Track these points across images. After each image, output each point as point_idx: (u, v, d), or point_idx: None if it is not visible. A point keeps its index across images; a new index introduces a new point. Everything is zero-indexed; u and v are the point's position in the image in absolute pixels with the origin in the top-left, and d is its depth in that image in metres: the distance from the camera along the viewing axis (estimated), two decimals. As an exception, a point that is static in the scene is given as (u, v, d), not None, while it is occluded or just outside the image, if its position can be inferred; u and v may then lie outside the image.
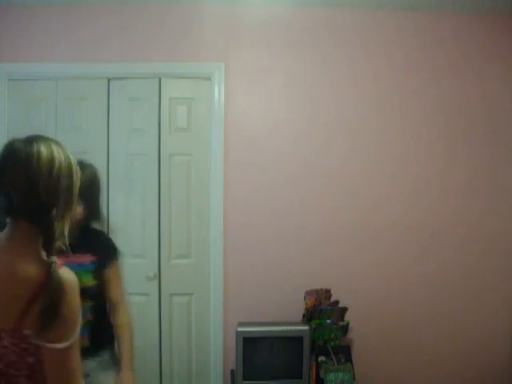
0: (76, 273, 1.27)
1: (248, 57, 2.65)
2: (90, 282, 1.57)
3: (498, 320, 2.67)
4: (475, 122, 2.68)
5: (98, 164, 2.65)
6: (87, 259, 1.60)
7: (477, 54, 2.69)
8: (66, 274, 0.98)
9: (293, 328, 2.38)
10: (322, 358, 2.36)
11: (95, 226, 1.73)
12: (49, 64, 2.64)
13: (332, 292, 2.51)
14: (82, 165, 1.47)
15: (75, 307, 0.96)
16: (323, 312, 2.41)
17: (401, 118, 2.67)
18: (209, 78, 2.66)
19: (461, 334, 2.65)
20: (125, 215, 2.67)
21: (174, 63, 2.65)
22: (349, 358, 2.38)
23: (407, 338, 2.65)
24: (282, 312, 2.54)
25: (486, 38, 2.69)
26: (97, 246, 1.65)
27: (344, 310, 2.47)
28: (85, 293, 1.36)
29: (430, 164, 2.67)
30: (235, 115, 2.65)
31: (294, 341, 2.35)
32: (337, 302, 2.48)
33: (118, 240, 2.65)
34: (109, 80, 2.68)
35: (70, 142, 2.87)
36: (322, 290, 2.49)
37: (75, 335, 0.94)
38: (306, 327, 2.36)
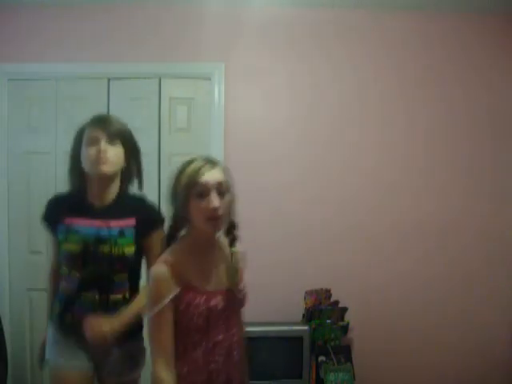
0: (115, 239, 1.45)
1: (248, 57, 2.65)
2: (130, 249, 1.48)
3: (505, 320, 2.67)
4: (479, 121, 2.68)
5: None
6: (128, 224, 1.50)
7: (479, 53, 2.68)
8: None
9: (293, 328, 2.38)
10: (322, 358, 2.36)
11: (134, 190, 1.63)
12: (49, 64, 2.64)
13: (332, 292, 2.51)
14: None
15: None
16: (323, 312, 2.40)
17: (404, 117, 2.67)
18: (209, 78, 2.66)
19: (462, 334, 2.65)
20: (125, 215, 2.67)
21: (174, 63, 2.65)
22: (349, 358, 2.38)
23: (408, 338, 2.65)
24: (282, 312, 2.54)
25: (489, 37, 2.69)
26: (138, 211, 1.53)
27: (344, 309, 2.47)
28: (123, 262, 1.46)
29: (434, 164, 2.67)
30: (235, 115, 2.65)
31: (294, 341, 2.34)
32: (337, 302, 2.48)
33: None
34: (109, 80, 2.68)
35: (70, 142, 2.87)
36: (321, 290, 2.49)
37: None
38: (306, 327, 2.36)
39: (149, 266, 1.51)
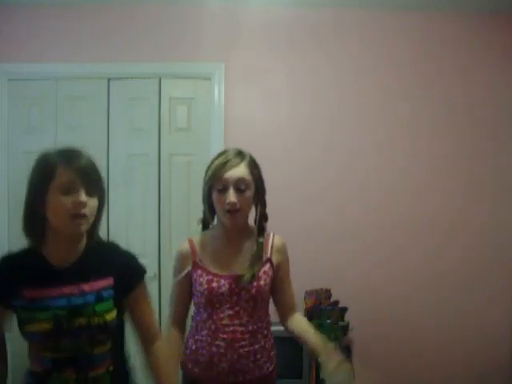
0: (92, 306, 1.14)
1: (248, 57, 2.65)
2: (111, 315, 1.17)
3: (505, 321, 2.67)
4: (479, 121, 2.68)
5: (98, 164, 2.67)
6: (105, 284, 1.18)
7: (480, 53, 2.68)
8: None
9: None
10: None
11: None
12: (49, 64, 2.64)
13: (332, 292, 2.51)
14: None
15: None
16: (323, 312, 2.40)
17: (405, 117, 2.67)
18: (209, 78, 2.66)
19: (463, 334, 2.65)
20: (125, 215, 2.67)
21: (174, 63, 2.65)
22: (349, 359, 2.38)
23: (408, 338, 2.65)
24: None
25: (490, 37, 2.68)
26: (114, 266, 1.22)
27: (344, 310, 2.46)
28: (104, 331, 1.16)
29: (435, 164, 2.67)
30: (235, 115, 2.65)
31: (294, 341, 2.34)
32: (337, 302, 2.48)
33: (119, 240, 2.68)
34: (109, 80, 2.68)
35: (70, 142, 2.86)
36: (321, 290, 2.49)
37: None
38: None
39: (138, 323, 1.31)
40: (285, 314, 1.53)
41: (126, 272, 1.24)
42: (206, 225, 1.52)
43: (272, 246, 1.47)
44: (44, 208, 1.10)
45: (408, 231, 2.66)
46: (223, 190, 1.37)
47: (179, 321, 1.48)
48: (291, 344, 2.35)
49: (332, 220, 2.65)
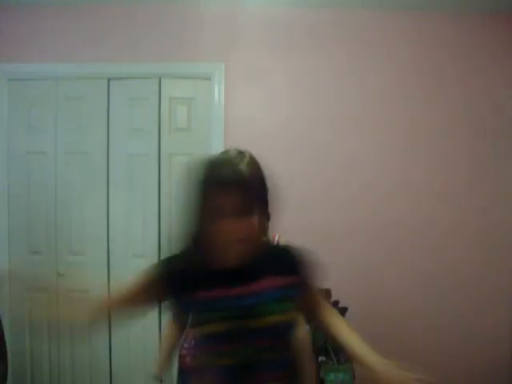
0: (268, 305, 1.07)
1: (248, 57, 2.65)
2: (287, 316, 1.11)
3: (505, 321, 2.67)
4: (479, 121, 2.68)
5: (98, 164, 2.68)
6: (278, 284, 1.12)
7: (479, 53, 2.68)
8: None
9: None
10: (322, 358, 2.36)
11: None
12: (49, 64, 2.64)
13: (332, 292, 2.51)
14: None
15: None
16: (323, 312, 2.40)
17: (404, 117, 2.67)
18: (209, 78, 2.66)
19: (463, 334, 2.65)
20: (125, 215, 2.67)
21: (174, 63, 2.65)
22: (349, 358, 2.38)
23: (408, 339, 2.64)
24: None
25: (489, 37, 2.68)
26: (285, 266, 1.17)
27: (344, 309, 2.46)
28: (279, 335, 1.09)
29: (434, 164, 2.67)
30: (235, 115, 2.65)
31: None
32: (337, 302, 2.48)
33: (119, 240, 2.69)
34: (109, 80, 2.68)
35: (70, 142, 2.86)
36: (322, 290, 2.49)
37: None
38: (306, 327, 2.35)
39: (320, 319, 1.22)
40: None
41: (293, 272, 1.17)
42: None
43: None
44: (205, 229, 1.06)
45: (408, 231, 2.66)
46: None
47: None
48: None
49: (332, 220, 2.65)
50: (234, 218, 1.00)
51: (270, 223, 1.31)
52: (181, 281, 1.09)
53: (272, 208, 1.19)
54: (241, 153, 1.20)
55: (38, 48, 2.64)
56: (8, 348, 2.33)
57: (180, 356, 1.50)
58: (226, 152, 1.12)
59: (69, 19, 2.64)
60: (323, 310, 1.23)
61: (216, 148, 2.64)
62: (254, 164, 1.08)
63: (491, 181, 2.68)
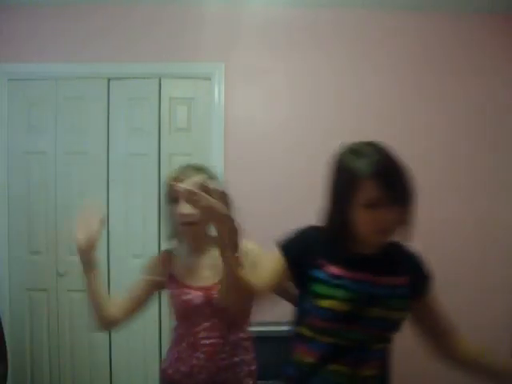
0: (386, 300, 1.09)
1: (248, 57, 2.65)
2: (399, 314, 1.13)
3: (505, 322, 2.66)
4: (478, 121, 2.68)
5: (98, 164, 2.68)
6: (401, 283, 1.14)
7: (479, 53, 2.69)
8: None
9: (293, 328, 2.38)
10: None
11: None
12: (49, 64, 2.64)
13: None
14: None
15: None
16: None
17: (403, 117, 2.67)
18: (209, 78, 2.66)
19: (465, 332, 2.64)
20: (125, 215, 2.67)
21: (174, 63, 2.65)
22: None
23: (407, 336, 2.64)
24: (282, 312, 2.53)
25: (488, 37, 2.69)
26: (410, 268, 1.18)
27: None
28: (388, 329, 1.12)
29: (432, 163, 2.67)
30: (235, 115, 2.65)
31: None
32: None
33: (118, 240, 2.69)
34: (109, 80, 2.68)
35: (70, 142, 2.86)
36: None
37: None
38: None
39: (432, 325, 1.25)
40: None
41: (420, 277, 1.20)
42: (171, 238, 1.48)
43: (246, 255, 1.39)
44: (348, 216, 1.07)
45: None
46: (176, 202, 1.33)
47: (118, 304, 1.40)
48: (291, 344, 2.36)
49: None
50: (388, 208, 1.01)
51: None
52: (316, 249, 1.11)
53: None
54: (200, 167, 1.41)
55: (38, 48, 2.64)
56: (8, 348, 2.32)
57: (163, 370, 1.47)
58: (368, 143, 1.09)
59: (69, 19, 2.64)
60: (443, 323, 1.24)
61: (216, 148, 2.64)
62: (393, 153, 1.08)
63: (491, 180, 2.69)
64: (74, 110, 2.68)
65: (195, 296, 1.36)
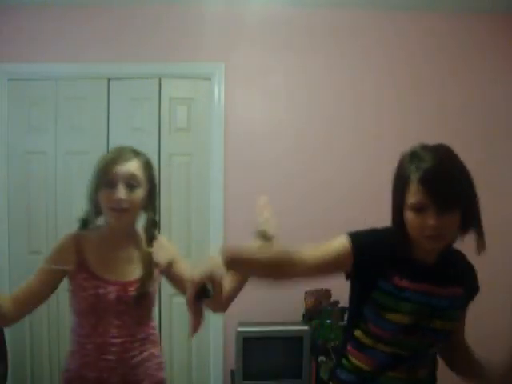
0: (445, 311, 1.09)
1: (248, 57, 2.66)
2: (455, 325, 1.16)
3: (505, 323, 2.66)
4: (476, 120, 2.68)
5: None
6: (457, 293, 1.13)
7: (477, 54, 2.69)
8: None
9: (293, 328, 2.38)
10: (321, 358, 2.36)
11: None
12: (49, 64, 2.64)
13: (332, 292, 2.51)
14: None
15: None
16: (323, 312, 2.40)
17: (401, 117, 2.68)
18: (209, 78, 2.66)
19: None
20: (125, 215, 2.67)
21: (174, 63, 2.65)
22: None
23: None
24: (282, 312, 2.53)
25: (487, 38, 2.69)
26: (463, 277, 1.16)
27: (344, 310, 2.46)
28: (444, 338, 1.14)
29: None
30: (235, 115, 2.65)
31: (294, 341, 2.35)
32: (337, 302, 2.48)
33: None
34: (109, 80, 2.68)
35: (70, 142, 2.87)
36: (321, 289, 2.49)
37: None
38: (306, 327, 2.36)
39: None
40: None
41: (471, 286, 1.19)
42: (85, 225, 1.33)
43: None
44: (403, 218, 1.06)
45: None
46: (111, 186, 1.22)
47: (17, 300, 1.30)
48: (291, 344, 2.36)
49: (331, 218, 2.65)
50: (431, 213, 0.99)
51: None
52: (385, 259, 1.08)
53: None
54: (135, 151, 1.30)
55: (38, 48, 2.64)
56: (8, 348, 2.32)
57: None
58: (428, 148, 1.08)
59: (69, 19, 2.64)
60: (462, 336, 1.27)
61: (216, 148, 2.64)
62: (454, 158, 1.08)
63: (489, 180, 2.68)
64: (74, 109, 2.68)
65: (110, 291, 1.23)
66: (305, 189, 2.65)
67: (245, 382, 2.32)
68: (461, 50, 2.69)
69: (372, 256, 1.09)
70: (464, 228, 1.06)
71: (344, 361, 1.16)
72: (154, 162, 2.61)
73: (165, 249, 1.38)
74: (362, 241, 1.13)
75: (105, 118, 2.68)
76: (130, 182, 1.24)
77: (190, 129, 2.70)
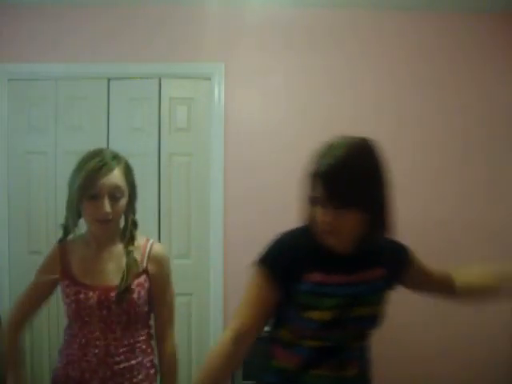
0: (368, 297, 1.08)
1: (248, 57, 2.66)
2: (380, 308, 1.13)
3: (505, 327, 2.66)
4: (476, 120, 2.68)
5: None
6: (379, 275, 1.12)
7: (476, 53, 2.69)
8: None
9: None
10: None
11: None
12: (49, 64, 2.64)
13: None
14: None
15: None
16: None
17: (399, 117, 2.67)
18: (209, 78, 2.66)
19: (465, 333, 2.64)
20: (125, 215, 2.67)
21: (174, 63, 2.65)
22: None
23: (407, 336, 2.64)
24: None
25: (486, 37, 2.69)
26: (385, 254, 1.15)
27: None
28: (370, 325, 1.11)
29: (426, 165, 2.67)
30: (235, 115, 2.65)
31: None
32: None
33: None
34: (109, 80, 2.68)
35: (70, 142, 2.87)
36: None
37: None
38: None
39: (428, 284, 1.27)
40: (159, 329, 1.38)
41: (396, 259, 1.16)
42: (67, 233, 1.35)
43: (149, 256, 1.34)
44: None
45: (407, 231, 2.64)
46: (96, 198, 1.22)
47: (20, 316, 1.36)
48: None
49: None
50: (323, 208, 1.00)
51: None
52: (296, 260, 1.06)
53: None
54: (116, 156, 1.29)
55: (38, 48, 2.64)
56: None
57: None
58: (337, 142, 1.06)
59: (69, 19, 2.65)
60: (436, 273, 1.27)
61: (216, 148, 2.64)
62: (363, 156, 1.03)
63: (488, 180, 2.68)
64: (74, 110, 2.68)
65: (90, 296, 1.26)
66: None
67: (245, 382, 2.32)
68: (461, 50, 2.69)
69: (283, 266, 1.07)
70: (372, 227, 1.03)
71: (269, 363, 1.14)
72: (154, 162, 2.66)
73: (159, 258, 1.36)
74: (269, 259, 1.11)
75: (105, 118, 2.68)
76: (115, 194, 1.25)
77: (190, 129, 2.70)
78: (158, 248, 1.37)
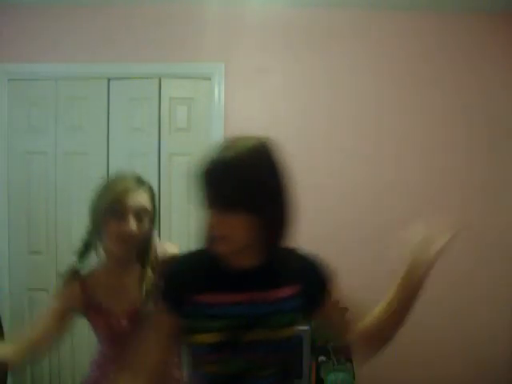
0: (273, 318, 0.98)
1: (248, 57, 2.66)
2: (291, 331, 1.04)
3: (504, 324, 2.66)
4: (476, 120, 2.67)
5: (98, 164, 2.68)
6: (289, 293, 1.02)
7: (476, 53, 2.69)
8: None
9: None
10: (322, 358, 2.36)
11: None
12: (49, 64, 2.64)
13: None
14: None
15: None
16: (323, 312, 2.40)
17: (400, 117, 2.67)
18: (209, 78, 2.66)
19: (464, 333, 2.64)
20: (125, 215, 2.67)
21: (174, 63, 2.65)
22: (349, 358, 2.38)
23: (407, 335, 2.63)
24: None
25: (486, 37, 2.68)
26: (300, 272, 1.07)
27: (344, 310, 2.46)
28: (281, 349, 1.02)
29: (427, 165, 2.67)
30: (235, 115, 2.65)
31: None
32: (337, 302, 2.48)
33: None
34: (109, 80, 2.68)
35: (70, 142, 2.87)
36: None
37: None
38: (306, 327, 2.35)
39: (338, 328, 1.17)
40: None
41: (313, 281, 1.08)
42: (87, 249, 1.35)
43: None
44: None
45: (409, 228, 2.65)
46: (121, 217, 1.23)
47: (28, 344, 1.25)
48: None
49: (331, 216, 2.65)
50: (212, 212, 0.92)
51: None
52: (184, 284, 0.99)
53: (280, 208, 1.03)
54: (140, 180, 1.29)
55: (38, 48, 2.65)
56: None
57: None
58: (226, 143, 0.99)
59: (69, 19, 2.65)
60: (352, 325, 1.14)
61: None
62: (251, 154, 0.95)
63: (487, 180, 2.68)
64: (74, 109, 2.68)
65: (122, 321, 1.27)
66: (304, 188, 2.64)
67: None
68: (461, 50, 2.69)
69: (172, 296, 1.00)
70: (268, 234, 0.97)
71: None
72: (154, 162, 2.66)
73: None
74: (162, 293, 1.03)
75: (105, 118, 2.68)
76: (140, 214, 1.26)
77: (190, 129, 2.70)
78: (172, 250, 1.38)
